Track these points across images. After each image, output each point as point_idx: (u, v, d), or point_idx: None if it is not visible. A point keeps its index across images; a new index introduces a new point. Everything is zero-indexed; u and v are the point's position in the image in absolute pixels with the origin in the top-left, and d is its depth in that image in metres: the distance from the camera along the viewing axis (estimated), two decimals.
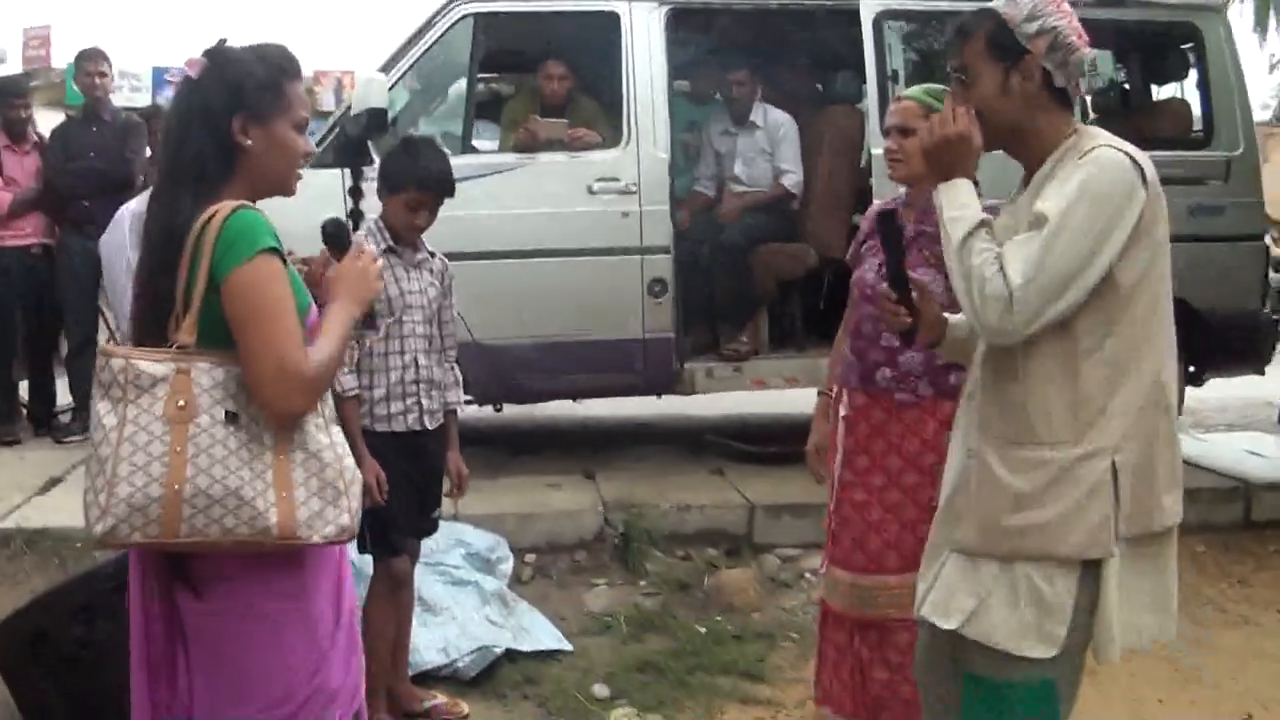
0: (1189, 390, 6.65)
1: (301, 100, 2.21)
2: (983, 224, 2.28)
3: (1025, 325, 2.20)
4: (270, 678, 2.12)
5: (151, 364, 1.99)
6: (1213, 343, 6.31)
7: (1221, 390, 7.72)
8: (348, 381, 3.40)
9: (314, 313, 2.20)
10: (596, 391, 6.28)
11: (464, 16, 5.70)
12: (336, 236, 2.38)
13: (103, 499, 1.95)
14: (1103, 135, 2.30)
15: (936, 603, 2.42)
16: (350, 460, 2.15)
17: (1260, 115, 19.34)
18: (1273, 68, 14.37)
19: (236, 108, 2.12)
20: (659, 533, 5.17)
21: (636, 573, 4.97)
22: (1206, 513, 5.70)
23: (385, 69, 5.60)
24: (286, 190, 2.24)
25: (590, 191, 5.68)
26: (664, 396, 6.37)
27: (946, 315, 2.60)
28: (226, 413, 2.01)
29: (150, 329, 2.11)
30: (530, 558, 5.03)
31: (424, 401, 3.56)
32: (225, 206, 2.04)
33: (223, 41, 2.19)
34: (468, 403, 5.86)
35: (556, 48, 6.04)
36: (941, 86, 3.21)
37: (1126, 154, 2.23)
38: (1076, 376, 2.26)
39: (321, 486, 2.07)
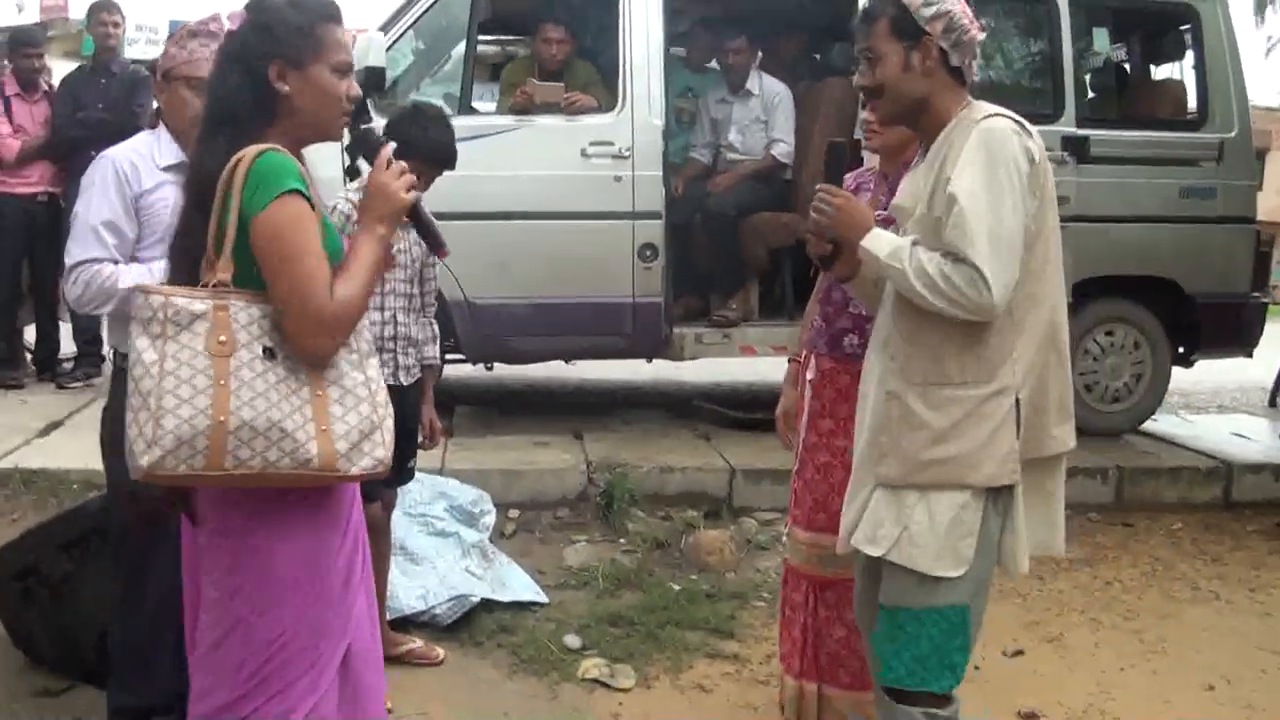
0: (1181, 373, 6.72)
1: (340, 44, 2.19)
2: (915, 242, 2.47)
3: (1003, 290, 2.37)
4: (266, 613, 2.16)
5: (190, 301, 2.03)
6: (1202, 325, 6.39)
7: (1216, 374, 7.78)
8: None
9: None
10: (586, 353, 6.35)
11: None
12: (364, 144, 2.29)
13: (149, 431, 1.97)
14: (989, 106, 2.51)
15: (865, 533, 2.61)
16: (384, 395, 2.20)
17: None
18: (1269, 51, 14.33)
19: (271, 54, 2.13)
20: (641, 493, 5.26)
21: (617, 531, 5.06)
22: (1186, 492, 5.81)
23: (385, 28, 5.66)
24: (331, 135, 2.25)
25: (584, 155, 5.74)
26: (654, 361, 6.44)
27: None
28: (264, 348, 2.06)
29: (184, 269, 2.16)
30: (514, 513, 5.12)
31: (400, 358, 3.64)
32: (252, 149, 2.08)
33: None
34: (459, 361, 5.97)
35: (556, 11, 6.07)
36: None
37: (1012, 119, 2.46)
38: (987, 325, 2.45)
39: (359, 420, 2.12)
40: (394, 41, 5.68)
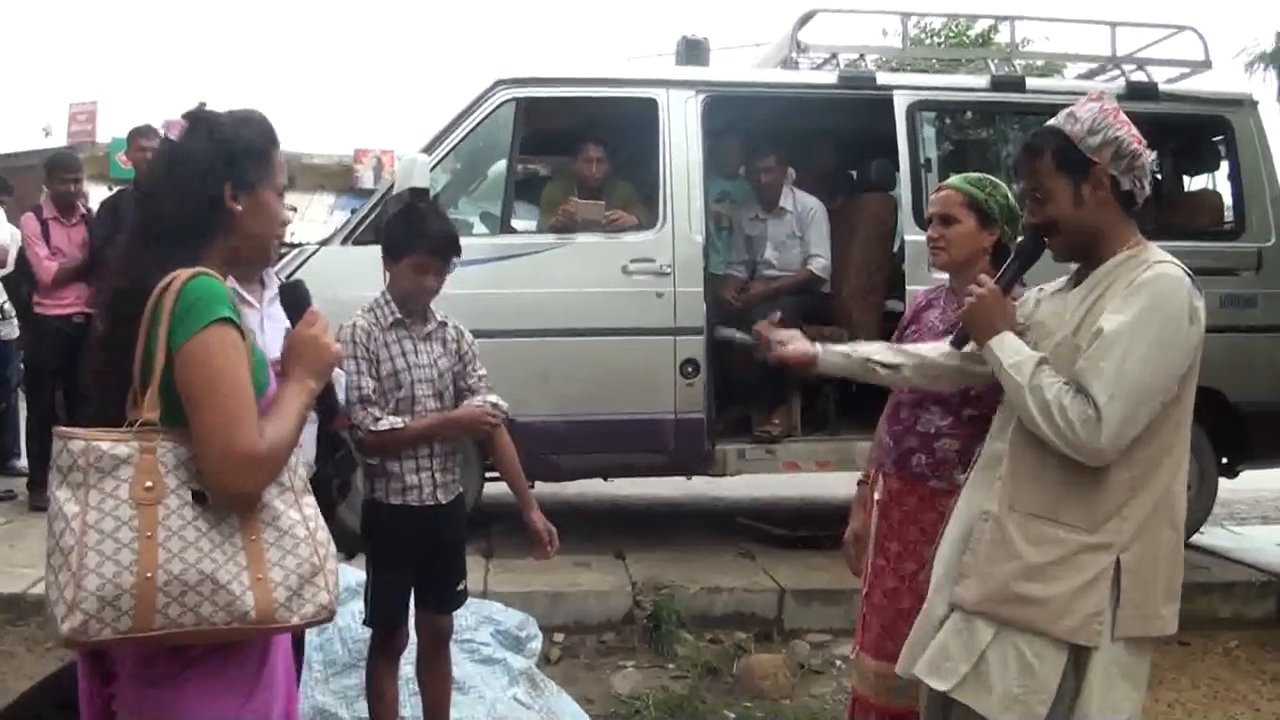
0: (1222, 482, 6.60)
1: (282, 167, 2.16)
2: (1042, 360, 2.38)
3: (1116, 439, 2.27)
4: None
5: (114, 445, 1.86)
6: (1246, 435, 6.29)
7: (1256, 482, 7.65)
8: (383, 424, 3.37)
9: (273, 389, 2.08)
10: (628, 471, 6.29)
11: (507, 100, 5.83)
12: (292, 296, 2.23)
13: (69, 593, 1.79)
14: (1162, 252, 2.40)
15: (931, 663, 2.48)
16: (325, 534, 2.04)
17: None
18: None
19: (229, 173, 2.05)
20: (688, 615, 5.14)
21: (665, 655, 4.92)
22: (1240, 607, 5.67)
23: (428, 149, 5.70)
24: (268, 258, 2.21)
25: (625, 272, 5.74)
26: (694, 477, 6.35)
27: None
28: (194, 492, 1.89)
29: (111, 405, 1.96)
30: (559, 637, 5.00)
31: (438, 475, 3.52)
32: (182, 273, 1.93)
33: (202, 105, 2.15)
34: (497, 479, 5.87)
35: (596, 131, 6.13)
36: (981, 175, 3.27)
37: (1186, 273, 2.34)
38: (1105, 474, 2.34)
39: (298, 564, 1.96)
40: (438, 162, 5.72)
